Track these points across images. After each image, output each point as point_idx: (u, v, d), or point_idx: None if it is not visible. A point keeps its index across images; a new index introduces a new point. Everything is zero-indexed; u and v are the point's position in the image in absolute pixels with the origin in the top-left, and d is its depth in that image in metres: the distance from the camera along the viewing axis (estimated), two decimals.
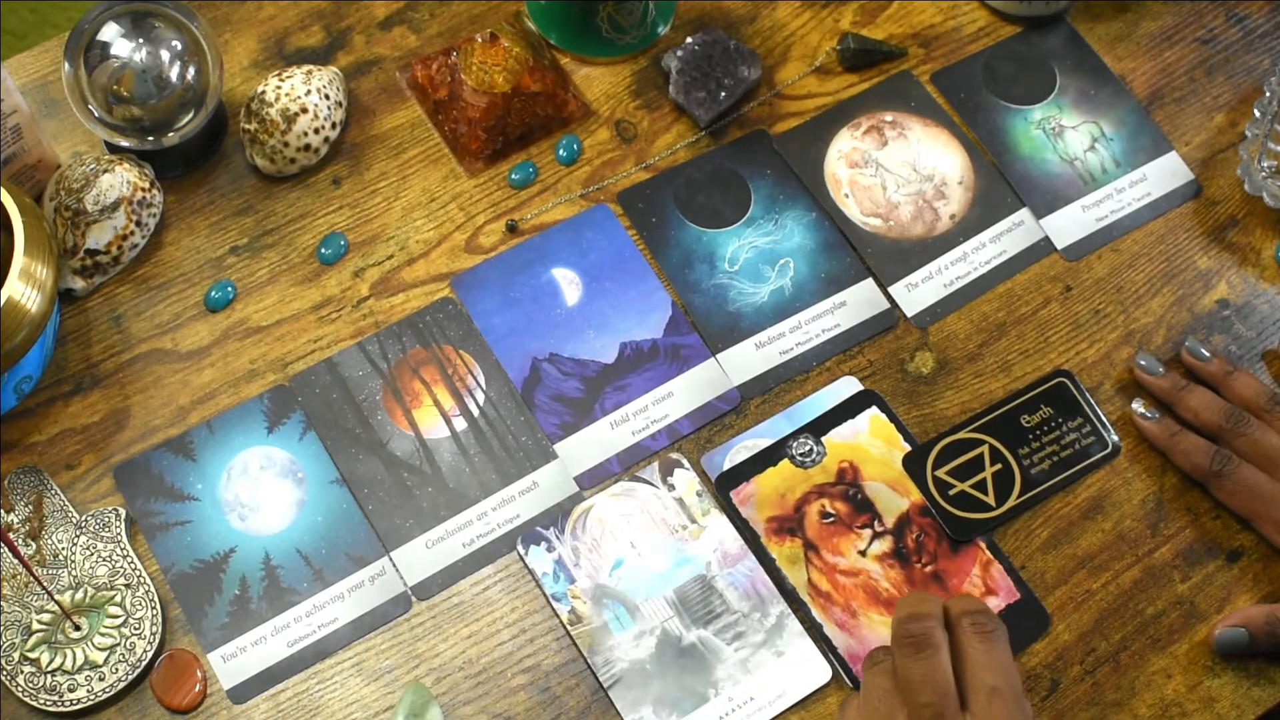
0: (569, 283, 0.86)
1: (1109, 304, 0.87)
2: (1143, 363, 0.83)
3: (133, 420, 0.81)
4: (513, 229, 0.88)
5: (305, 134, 0.86)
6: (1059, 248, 0.88)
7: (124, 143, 0.85)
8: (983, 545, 0.79)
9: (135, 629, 0.75)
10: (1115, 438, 0.82)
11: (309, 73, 0.88)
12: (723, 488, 0.80)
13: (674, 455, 0.81)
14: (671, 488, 0.80)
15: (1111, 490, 0.81)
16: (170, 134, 0.85)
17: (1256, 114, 0.89)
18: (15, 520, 0.78)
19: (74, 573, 0.76)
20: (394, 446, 0.81)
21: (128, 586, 0.76)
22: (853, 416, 0.82)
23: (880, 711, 0.66)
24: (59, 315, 0.83)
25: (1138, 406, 0.82)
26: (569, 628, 0.76)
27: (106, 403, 0.82)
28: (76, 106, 0.84)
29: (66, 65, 0.84)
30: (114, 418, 0.82)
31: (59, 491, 0.79)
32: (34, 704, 0.74)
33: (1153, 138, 0.92)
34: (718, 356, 0.84)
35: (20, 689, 0.74)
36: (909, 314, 0.86)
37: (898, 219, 0.89)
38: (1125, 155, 0.91)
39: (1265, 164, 0.88)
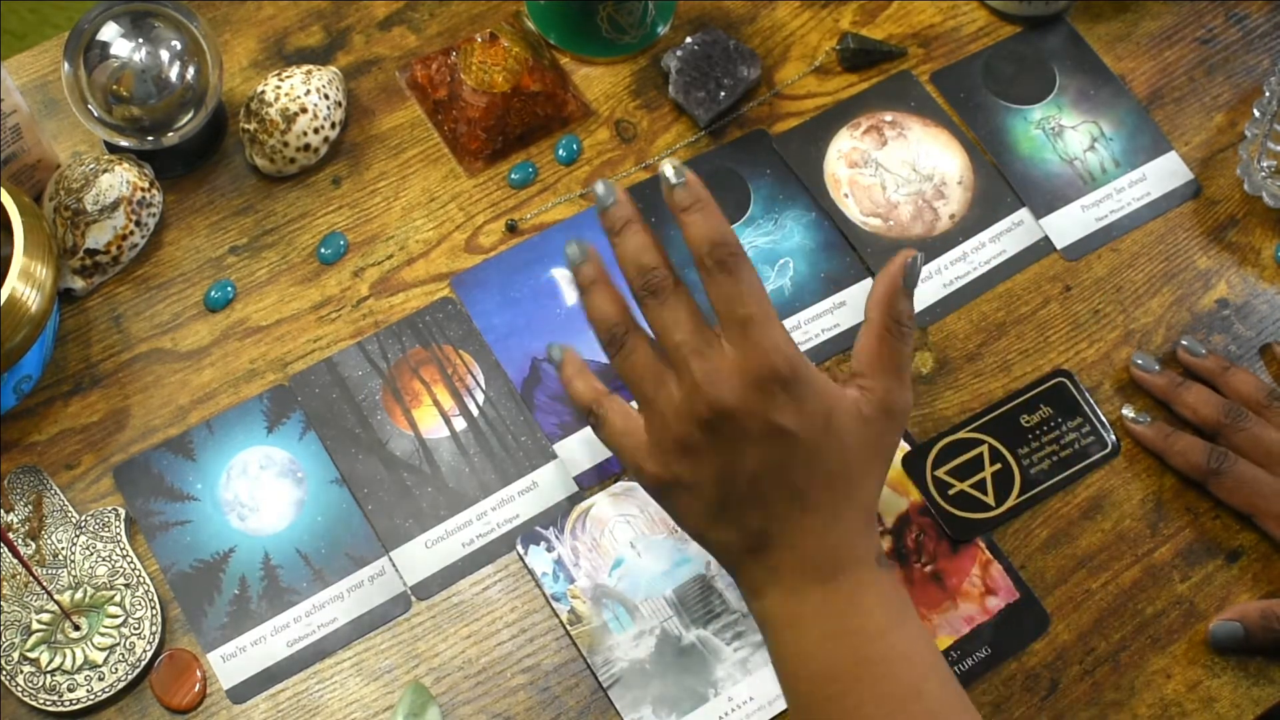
0: (569, 283, 0.86)
1: (1108, 304, 0.87)
2: (1139, 362, 0.83)
3: (132, 420, 0.81)
4: (512, 229, 0.88)
5: (305, 134, 0.86)
6: (1059, 247, 0.88)
7: (124, 143, 0.85)
8: (982, 545, 0.79)
9: (135, 629, 0.75)
10: (1115, 438, 0.82)
11: (309, 73, 0.88)
12: None
13: None
14: None
15: (1111, 490, 0.81)
16: (170, 134, 0.85)
17: (1256, 114, 0.89)
18: (15, 520, 0.78)
19: (74, 572, 0.76)
20: (394, 446, 0.81)
21: (127, 586, 0.76)
22: None
23: (648, 381, 0.64)
24: (59, 315, 0.83)
25: (1128, 412, 0.82)
26: (569, 628, 0.76)
27: (106, 403, 0.82)
28: (76, 106, 0.84)
29: (66, 65, 0.84)
30: (114, 418, 0.82)
31: (59, 491, 0.79)
32: (34, 704, 0.74)
33: (1152, 137, 0.92)
34: None
35: (20, 689, 0.74)
36: None
37: (897, 219, 0.89)
38: (1125, 155, 0.91)
39: (1265, 164, 0.88)
